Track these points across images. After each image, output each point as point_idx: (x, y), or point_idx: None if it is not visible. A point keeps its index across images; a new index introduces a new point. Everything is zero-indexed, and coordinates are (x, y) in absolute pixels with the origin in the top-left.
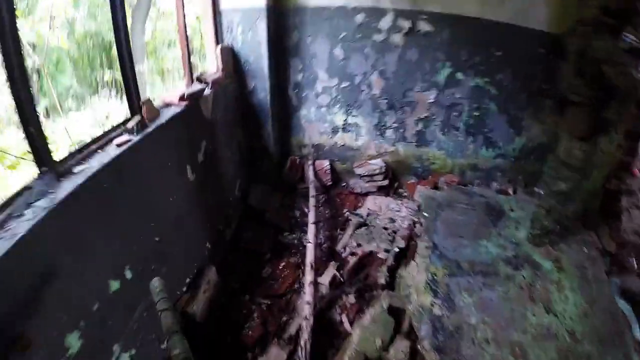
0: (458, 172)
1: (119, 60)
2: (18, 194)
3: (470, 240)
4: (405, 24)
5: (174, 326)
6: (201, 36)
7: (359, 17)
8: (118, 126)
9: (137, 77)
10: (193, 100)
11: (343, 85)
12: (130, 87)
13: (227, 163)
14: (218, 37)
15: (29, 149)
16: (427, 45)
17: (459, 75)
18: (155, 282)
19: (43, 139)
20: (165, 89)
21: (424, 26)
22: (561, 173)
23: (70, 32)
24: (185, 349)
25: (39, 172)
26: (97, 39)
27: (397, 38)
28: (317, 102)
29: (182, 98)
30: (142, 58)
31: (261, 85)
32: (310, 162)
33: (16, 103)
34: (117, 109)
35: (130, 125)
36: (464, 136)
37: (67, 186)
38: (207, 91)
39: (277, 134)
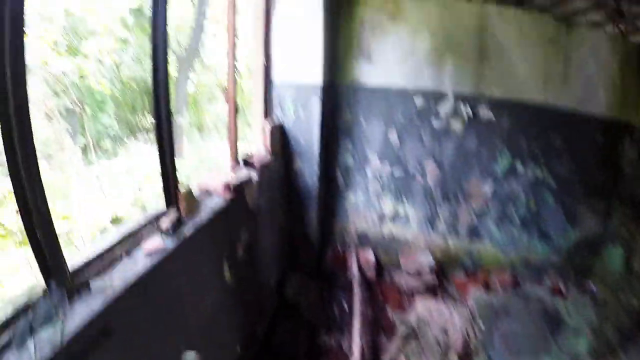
0: (509, 267)
1: (156, 132)
2: (19, 313)
3: (530, 357)
4: (466, 110)
5: None
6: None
7: (419, 101)
8: (150, 222)
9: (175, 129)
10: (239, 190)
11: (395, 171)
12: (168, 172)
13: (267, 253)
14: (267, 112)
15: (35, 253)
16: (486, 132)
17: (518, 165)
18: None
19: (55, 243)
20: (203, 143)
21: (484, 112)
22: (636, 288)
23: (116, 74)
24: None
25: (45, 285)
26: (142, 84)
27: (456, 124)
28: (366, 188)
29: (227, 188)
30: (183, 109)
31: (309, 167)
32: (353, 252)
33: (16, 192)
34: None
35: (164, 224)
36: (519, 229)
37: (81, 312)
38: (254, 177)
39: (321, 219)
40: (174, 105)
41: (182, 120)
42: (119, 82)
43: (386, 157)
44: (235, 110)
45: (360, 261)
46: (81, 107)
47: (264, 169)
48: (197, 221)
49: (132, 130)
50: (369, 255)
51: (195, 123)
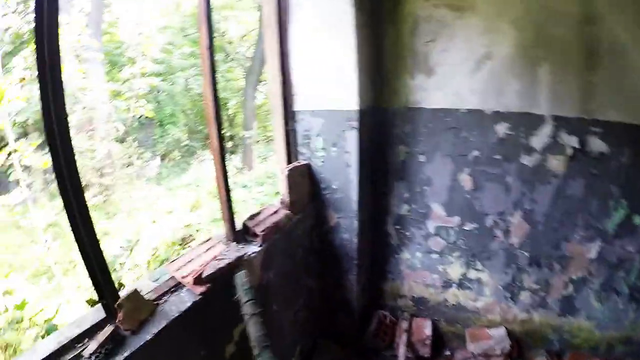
0: (605, 347)
1: (58, 184)
2: None
3: None
4: (570, 141)
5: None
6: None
7: (501, 128)
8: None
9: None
10: (220, 281)
11: (467, 226)
12: (92, 263)
13: (284, 329)
14: (289, 150)
15: None
16: (598, 174)
17: (636, 220)
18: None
19: None
20: (271, 154)
21: (595, 144)
22: None
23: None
24: None
25: None
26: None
27: (556, 162)
28: (427, 246)
29: (198, 280)
30: (251, 122)
31: (347, 220)
32: (406, 321)
33: None
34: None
35: (91, 347)
36: (626, 302)
37: None
38: (252, 252)
39: (365, 282)
40: (242, 118)
41: (251, 134)
42: (189, 96)
43: (454, 207)
44: (221, 156)
45: (412, 334)
46: (152, 120)
47: (271, 234)
48: (147, 337)
49: (205, 143)
50: (425, 327)
51: (264, 136)
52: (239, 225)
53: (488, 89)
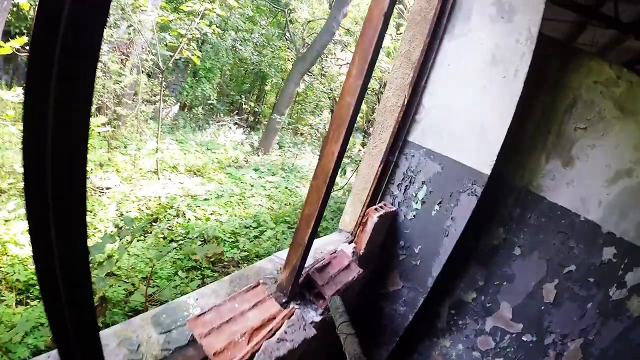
0: None
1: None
2: None
3: None
4: None
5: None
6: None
7: (608, 252)
8: None
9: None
10: None
11: (525, 337)
12: None
13: None
14: (380, 189)
15: None
16: None
17: None
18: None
19: None
20: (291, 145)
21: None
22: None
23: (233, 50)
24: None
25: None
26: (254, 68)
27: (637, 304)
28: (473, 342)
29: None
30: (285, 108)
31: (412, 293)
32: None
33: None
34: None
35: None
36: None
37: None
38: (314, 321)
39: (388, 356)
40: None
41: (282, 119)
42: (233, 58)
43: (524, 314)
44: (331, 178)
45: None
46: (188, 67)
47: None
48: None
49: (230, 109)
50: None
51: (293, 126)
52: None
53: (614, 207)
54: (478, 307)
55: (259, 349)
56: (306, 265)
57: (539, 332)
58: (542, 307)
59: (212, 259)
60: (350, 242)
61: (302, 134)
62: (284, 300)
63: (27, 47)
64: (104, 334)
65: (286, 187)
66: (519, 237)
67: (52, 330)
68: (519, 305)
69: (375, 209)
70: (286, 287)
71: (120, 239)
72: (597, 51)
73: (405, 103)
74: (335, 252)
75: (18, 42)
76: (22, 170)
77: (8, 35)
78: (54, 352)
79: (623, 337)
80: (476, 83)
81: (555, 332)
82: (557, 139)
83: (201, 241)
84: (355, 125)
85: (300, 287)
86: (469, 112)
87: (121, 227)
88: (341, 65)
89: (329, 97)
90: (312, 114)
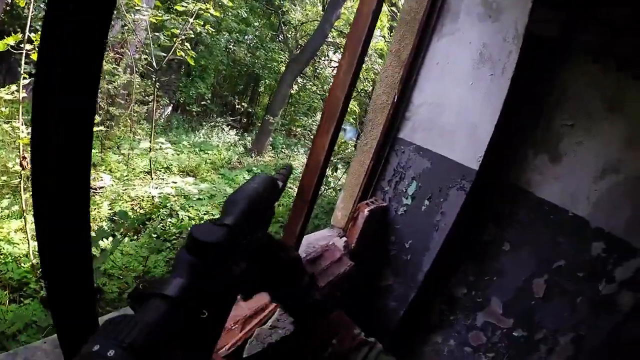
0: None
1: None
2: None
3: None
4: None
5: None
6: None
7: (597, 247)
8: None
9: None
10: None
11: (517, 332)
12: None
13: None
14: (372, 183)
15: None
16: None
17: None
18: None
19: None
20: (285, 147)
21: None
22: None
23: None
24: None
25: None
26: (247, 70)
27: (627, 298)
28: (465, 337)
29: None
30: (278, 109)
31: (403, 288)
32: None
33: None
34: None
35: None
36: None
37: None
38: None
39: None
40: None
41: (275, 120)
42: (227, 59)
43: (514, 309)
44: (316, 188)
45: None
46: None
47: (335, 289)
48: None
49: (223, 110)
50: None
51: (286, 127)
52: None
53: (602, 202)
54: (469, 302)
55: (251, 335)
56: None
57: (530, 327)
58: (533, 302)
59: None
60: (341, 237)
61: (295, 136)
62: None
63: (21, 46)
64: (100, 319)
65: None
66: (509, 232)
67: (52, 314)
68: (509, 301)
69: (367, 204)
70: None
71: (114, 235)
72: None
73: (396, 100)
74: (327, 246)
75: (13, 39)
76: (16, 167)
77: (3, 34)
78: (52, 337)
79: (614, 332)
80: (465, 81)
81: (546, 327)
82: (545, 134)
83: None
84: (349, 125)
85: None
86: (458, 109)
87: (115, 222)
88: (334, 68)
89: (322, 99)
90: (306, 116)
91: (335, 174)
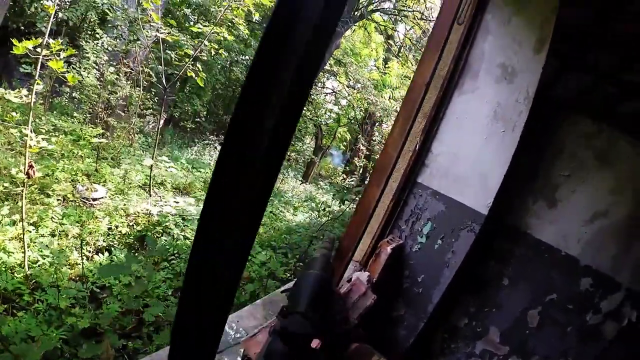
0: None
1: None
2: None
3: None
4: (630, 314)
5: None
6: None
7: (585, 282)
8: None
9: None
10: None
11: (511, 359)
12: None
13: None
14: (391, 221)
15: None
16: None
17: None
18: None
19: None
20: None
21: None
22: None
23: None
24: None
25: None
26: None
27: (611, 326)
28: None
29: None
30: None
31: (414, 319)
32: None
33: None
34: None
35: None
36: None
37: None
38: None
39: None
40: None
41: None
42: (224, 78)
43: (510, 337)
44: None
45: None
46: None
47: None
48: None
49: (216, 129)
50: None
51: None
52: None
53: (591, 243)
54: (469, 331)
55: None
56: None
57: (524, 354)
58: (527, 332)
59: None
60: (362, 271)
61: (288, 160)
62: None
63: (38, 50)
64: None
65: (271, 212)
66: (508, 268)
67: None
68: (506, 330)
69: (388, 242)
70: None
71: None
72: (574, 99)
73: (417, 148)
74: (354, 280)
75: (32, 43)
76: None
77: (7, 30)
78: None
79: (599, 358)
80: (480, 134)
81: (538, 354)
82: (544, 183)
83: None
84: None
85: None
86: (472, 159)
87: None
88: (327, 94)
89: (315, 125)
90: (299, 140)
91: (342, 206)
